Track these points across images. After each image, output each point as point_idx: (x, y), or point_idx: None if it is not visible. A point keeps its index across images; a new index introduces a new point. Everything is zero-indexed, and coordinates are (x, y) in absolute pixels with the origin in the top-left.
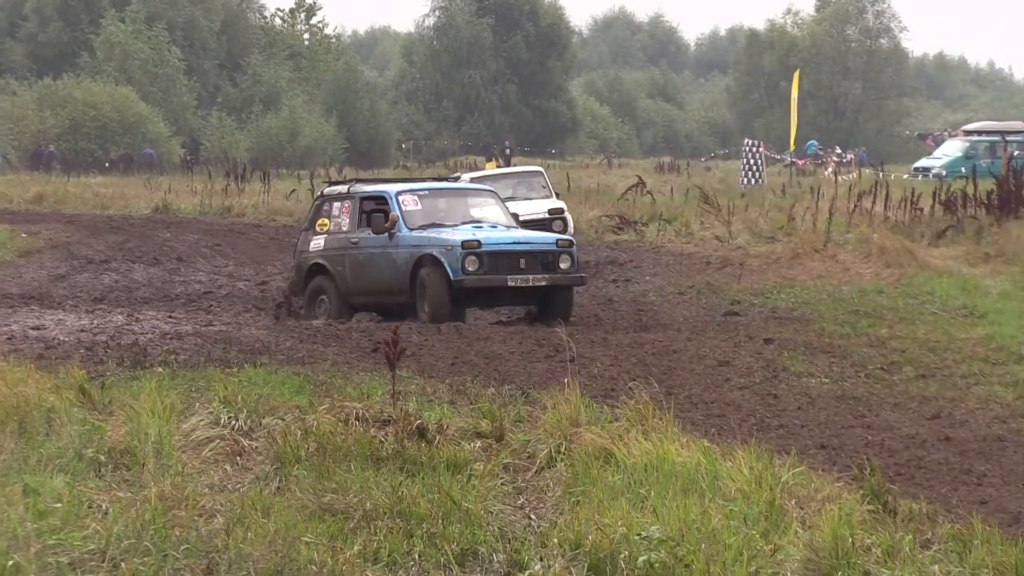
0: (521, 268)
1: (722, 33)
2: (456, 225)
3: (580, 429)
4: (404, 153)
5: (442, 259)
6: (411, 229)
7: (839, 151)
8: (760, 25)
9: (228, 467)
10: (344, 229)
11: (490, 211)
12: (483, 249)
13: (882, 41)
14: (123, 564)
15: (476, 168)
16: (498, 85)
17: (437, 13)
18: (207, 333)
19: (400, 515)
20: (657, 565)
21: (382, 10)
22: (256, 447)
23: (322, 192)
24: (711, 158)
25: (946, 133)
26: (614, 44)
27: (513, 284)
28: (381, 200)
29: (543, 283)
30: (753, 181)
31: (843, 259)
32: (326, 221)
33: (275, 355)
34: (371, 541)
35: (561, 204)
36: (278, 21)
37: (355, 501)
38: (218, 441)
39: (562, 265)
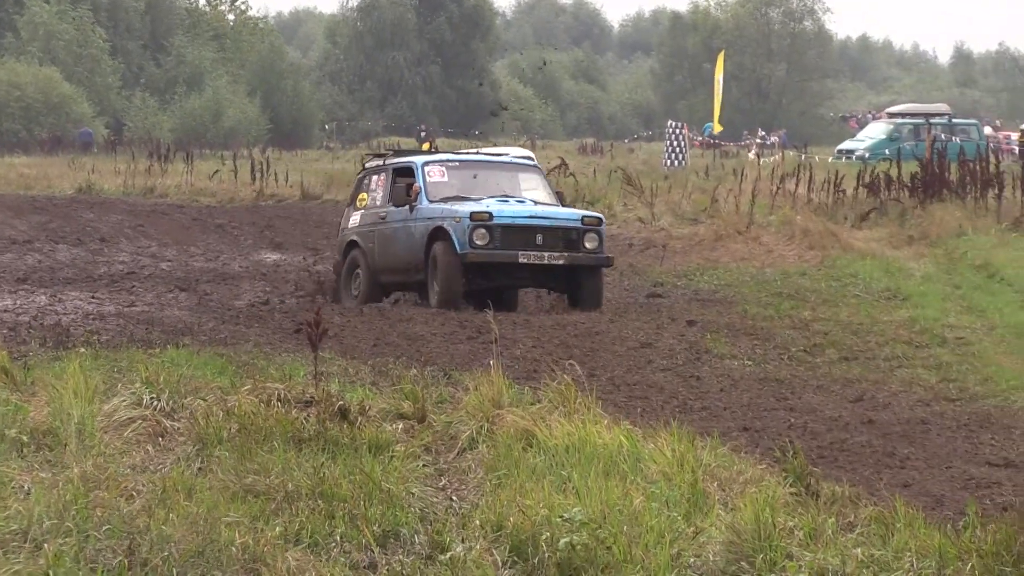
0: (537, 244)
1: (646, 15)
2: (482, 198)
3: (502, 411)
4: (328, 134)
5: (451, 231)
6: (432, 201)
7: (762, 133)
8: (684, 7)
9: (150, 448)
10: (377, 203)
11: (530, 186)
12: (494, 222)
13: (806, 23)
14: (45, 544)
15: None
16: (421, 66)
17: None
18: (130, 314)
19: (322, 496)
20: (579, 547)
21: None
22: (178, 428)
23: (363, 165)
24: (634, 140)
25: (870, 115)
26: (538, 25)
27: (525, 260)
28: (409, 171)
29: (560, 262)
30: (676, 163)
31: (766, 241)
32: (365, 196)
33: (197, 336)
34: (293, 522)
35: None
36: (202, 2)
37: (277, 482)
38: (140, 422)
39: (587, 244)
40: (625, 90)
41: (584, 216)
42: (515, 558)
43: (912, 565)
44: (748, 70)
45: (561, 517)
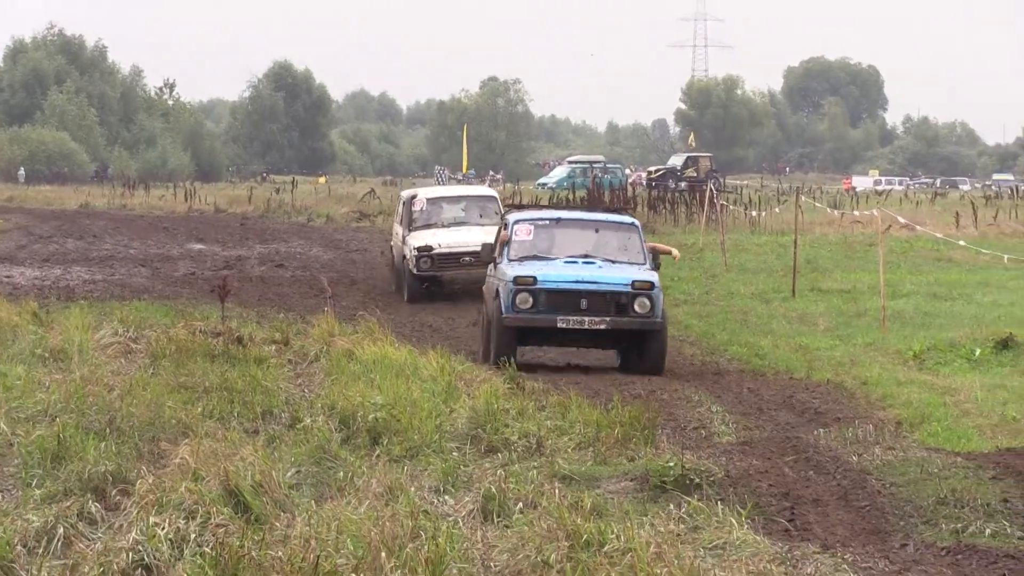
0: (581, 309)
1: (423, 101)
2: (556, 259)
3: (335, 338)
4: (230, 173)
5: (501, 293)
6: (510, 260)
7: (492, 172)
8: (446, 97)
9: (123, 360)
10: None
11: (618, 246)
12: (538, 286)
13: (519, 107)
14: (57, 419)
15: (272, 183)
16: (287, 132)
17: (250, 89)
18: (111, 280)
19: (226, 389)
20: (380, 420)
21: (218, 86)
22: (139, 348)
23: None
24: (416, 176)
25: (556, 162)
26: (358, 108)
27: (564, 325)
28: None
29: (602, 327)
30: None
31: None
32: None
33: (152, 293)
34: (208, 405)
35: None
36: (153, 93)
37: (199, 381)
38: (116, 345)
39: (637, 309)
40: (410, 147)
41: (635, 280)
42: (342, 426)
43: (580, 430)
44: (484, 135)
45: (370, 402)
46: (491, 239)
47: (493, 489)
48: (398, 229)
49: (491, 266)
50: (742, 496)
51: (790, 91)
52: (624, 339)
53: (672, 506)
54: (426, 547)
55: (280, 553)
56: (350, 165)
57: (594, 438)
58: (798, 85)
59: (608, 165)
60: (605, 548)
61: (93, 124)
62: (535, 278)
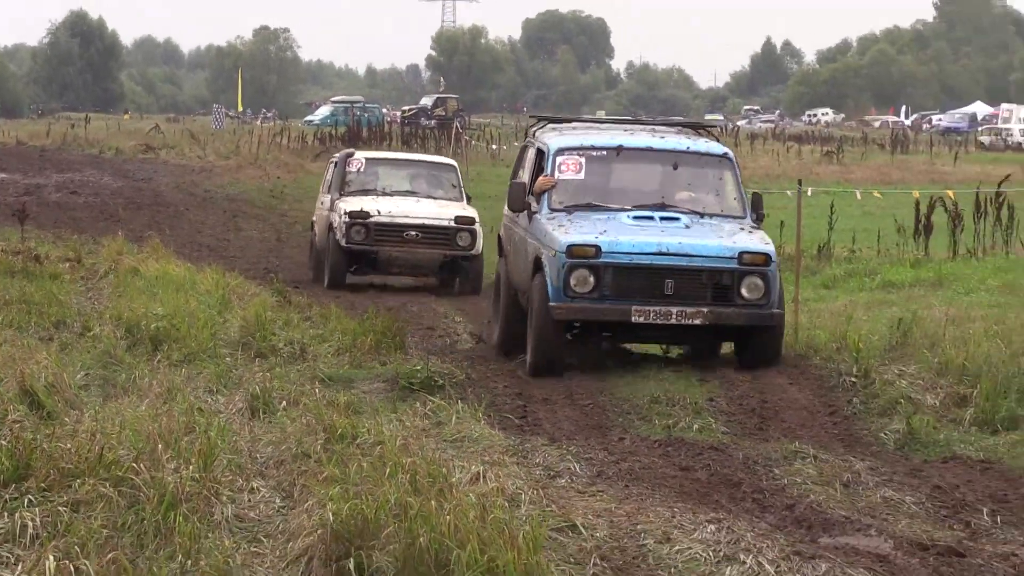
0: (666, 294)
1: (203, 47)
2: (626, 211)
3: (122, 257)
4: (32, 111)
5: (546, 268)
6: (554, 210)
7: (265, 111)
8: (223, 43)
9: None
10: None
11: (709, 188)
12: (602, 259)
13: (288, 53)
14: None
15: (68, 121)
16: (82, 75)
17: (49, 36)
18: None
19: (24, 302)
20: (161, 329)
21: (22, 31)
22: None
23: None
24: (197, 114)
25: (321, 102)
26: (145, 52)
27: (640, 319)
28: (543, 158)
29: (696, 321)
30: (218, 126)
31: (266, 169)
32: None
33: None
34: (8, 316)
35: (473, 212)
36: None
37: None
38: None
39: (744, 293)
40: (192, 88)
41: (743, 251)
42: (128, 334)
43: (339, 338)
44: (257, 78)
45: (152, 313)
46: (444, 216)
47: (259, 389)
48: (324, 198)
49: (517, 214)
50: (480, 396)
51: (528, 40)
52: (724, 337)
53: (418, 404)
54: (199, 440)
55: (69, 445)
56: (137, 104)
57: (351, 345)
58: (535, 35)
59: (367, 105)
60: (358, 441)
61: None
62: (598, 248)
